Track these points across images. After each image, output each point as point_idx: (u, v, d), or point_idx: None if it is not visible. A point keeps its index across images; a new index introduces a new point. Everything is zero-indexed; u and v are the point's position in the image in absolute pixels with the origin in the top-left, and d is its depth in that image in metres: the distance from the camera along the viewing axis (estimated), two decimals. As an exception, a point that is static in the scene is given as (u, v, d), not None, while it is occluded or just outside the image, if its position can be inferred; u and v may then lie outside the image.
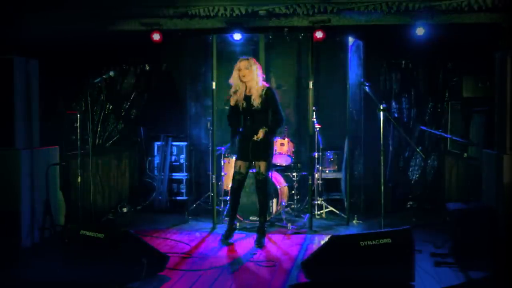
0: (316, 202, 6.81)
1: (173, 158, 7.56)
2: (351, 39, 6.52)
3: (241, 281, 4.32)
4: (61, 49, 6.16)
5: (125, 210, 7.30)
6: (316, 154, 6.71)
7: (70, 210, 6.03)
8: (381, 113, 5.19)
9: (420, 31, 5.69)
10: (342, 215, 6.66)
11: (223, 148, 6.77)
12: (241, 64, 5.35)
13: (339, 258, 4.08)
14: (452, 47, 6.89)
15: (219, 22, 5.83)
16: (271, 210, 6.21)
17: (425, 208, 7.03)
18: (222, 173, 6.68)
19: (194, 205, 7.09)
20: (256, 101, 5.32)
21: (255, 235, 5.53)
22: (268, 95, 5.35)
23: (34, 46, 5.58)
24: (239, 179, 5.46)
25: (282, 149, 6.49)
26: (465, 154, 6.54)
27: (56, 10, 5.76)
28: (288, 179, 6.79)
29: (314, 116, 6.37)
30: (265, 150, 5.39)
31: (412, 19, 5.60)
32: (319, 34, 5.80)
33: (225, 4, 5.67)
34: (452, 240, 5.07)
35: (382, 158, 5.22)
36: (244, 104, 5.39)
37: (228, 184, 6.30)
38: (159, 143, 7.61)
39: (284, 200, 6.48)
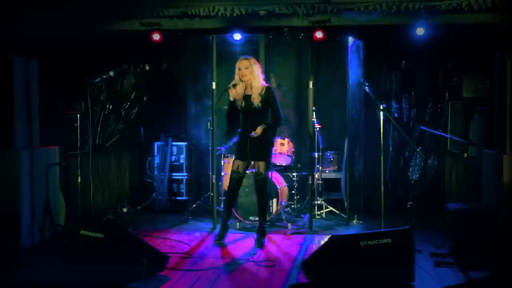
0: (316, 202, 6.81)
1: (173, 158, 7.55)
2: (351, 39, 6.52)
3: (241, 281, 4.32)
4: (61, 49, 6.17)
5: (125, 210, 7.31)
6: (316, 154, 6.72)
7: (70, 210, 6.03)
8: (381, 113, 5.18)
9: (420, 31, 5.69)
10: (342, 215, 6.66)
11: (223, 148, 6.78)
12: (241, 63, 5.36)
13: (339, 258, 4.07)
14: (452, 47, 6.89)
15: (219, 22, 5.83)
16: (271, 210, 6.21)
17: (425, 208, 7.02)
18: (222, 173, 6.68)
19: (194, 205, 7.09)
20: (256, 100, 5.33)
21: (255, 235, 5.53)
22: (267, 94, 5.35)
23: (34, 46, 5.58)
24: (236, 178, 5.46)
25: (282, 149, 6.50)
26: (465, 154, 6.54)
27: (56, 10, 5.76)
28: (288, 179, 6.79)
29: (314, 116, 6.37)
30: (264, 150, 5.40)
31: (412, 19, 5.60)
32: (319, 34, 5.80)
33: (225, 4, 5.67)
34: (452, 240, 5.07)
35: (382, 158, 5.22)
36: (243, 103, 5.39)
37: (228, 184, 6.29)
38: (159, 143, 7.61)
39: (284, 200, 6.48)
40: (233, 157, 5.72)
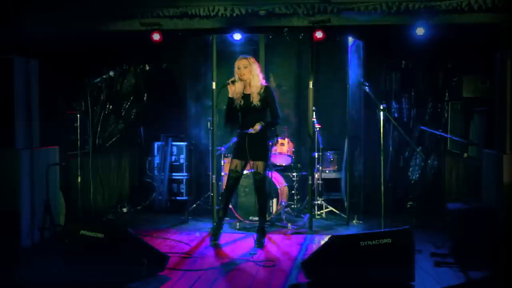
0: (316, 202, 6.81)
1: (173, 158, 7.55)
2: (351, 39, 6.52)
3: (241, 281, 4.32)
4: (61, 49, 6.17)
5: (125, 210, 7.31)
6: (316, 154, 6.72)
7: (70, 210, 6.03)
8: (381, 113, 5.18)
9: (420, 31, 5.69)
10: (342, 215, 6.66)
11: (223, 148, 6.78)
12: (240, 62, 5.35)
13: (339, 258, 4.07)
14: (452, 47, 6.89)
15: (219, 22, 5.84)
16: (271, 210, 6.21)
17: (425, 208, 7.02)
18: (222, 173, 6.68)
19: (194, 205, 7.09)
20: (254, 99, 5.32)
21: (255, 235, 5.53)
22: (266, 94, 5.35)
23: (34, 46, 5.58)
24: (234, 177, 5.45)
25: (282, 149, 6.50)
26: (465, 154, 6.54)
27: (56, 10, 5.76)
28: (288, 179, 6.79)
29: (314, 116, 6.37)
30: (262, 150, 5.39)
31: (412, 19, 5.60)
32: (319, 34, 5.80)
33: (225, 4, 5.67)
34: (452, 240, 5.07)
35: (382, 158, 5.22)
36: (242, 102, 5.39)
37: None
38: (159, 143, 7.61)
39: (284, 200, 6.48)
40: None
